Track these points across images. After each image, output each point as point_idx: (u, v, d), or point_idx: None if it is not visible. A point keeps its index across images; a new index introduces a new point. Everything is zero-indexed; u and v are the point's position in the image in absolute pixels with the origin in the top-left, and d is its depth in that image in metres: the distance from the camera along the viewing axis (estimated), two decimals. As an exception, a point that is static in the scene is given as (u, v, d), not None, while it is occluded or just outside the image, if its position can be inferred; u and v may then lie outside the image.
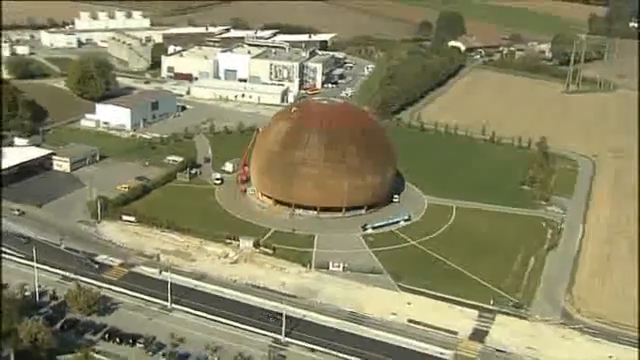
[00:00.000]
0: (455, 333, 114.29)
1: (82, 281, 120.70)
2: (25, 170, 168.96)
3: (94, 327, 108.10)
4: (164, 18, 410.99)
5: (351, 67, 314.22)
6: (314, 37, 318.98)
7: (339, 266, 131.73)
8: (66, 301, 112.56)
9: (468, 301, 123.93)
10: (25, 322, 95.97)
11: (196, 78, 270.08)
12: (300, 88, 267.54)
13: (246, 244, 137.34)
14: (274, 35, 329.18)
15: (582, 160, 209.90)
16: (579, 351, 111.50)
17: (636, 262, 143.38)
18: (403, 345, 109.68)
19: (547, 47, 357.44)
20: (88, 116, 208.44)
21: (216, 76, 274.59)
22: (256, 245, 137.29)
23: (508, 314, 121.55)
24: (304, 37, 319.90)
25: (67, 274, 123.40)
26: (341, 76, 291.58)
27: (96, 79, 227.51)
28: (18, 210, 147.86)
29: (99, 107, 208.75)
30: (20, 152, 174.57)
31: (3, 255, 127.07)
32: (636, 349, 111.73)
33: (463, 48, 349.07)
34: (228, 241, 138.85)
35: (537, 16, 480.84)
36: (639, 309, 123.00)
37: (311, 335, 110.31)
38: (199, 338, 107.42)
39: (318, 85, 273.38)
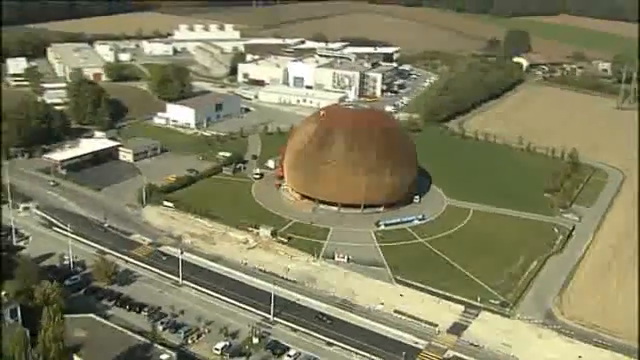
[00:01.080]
0: (435, 325, 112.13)
1: (114, 255, 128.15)
2: (97, 158, 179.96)
3: (111, 295, 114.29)
4: (257, 31, 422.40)
5: (415, 78, 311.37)
6: (379, 50, 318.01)
7: (344, 257, 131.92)
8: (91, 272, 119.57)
9: (457, 297, 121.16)
10: (41, 284, 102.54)
11: (267, 84, 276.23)
12: (360, 95, 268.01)
13: (265, 232, 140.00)
14: (344, 47, 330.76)
15: (614, 172, 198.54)
16: (551, 350, 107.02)
17: (637, 270, 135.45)
18: (382, 332, 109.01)
19: (609, 65, 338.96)
20: (160, 114, 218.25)
21: (285, 83, 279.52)
22: (273, 234, 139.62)
23: (492, 311, 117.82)
24: (370, 49, 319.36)
25: (103, 248, 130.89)
26: (402, 86, 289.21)
27: (173, 82, 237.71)
28: (53, 181, 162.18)
29: (169, 107, 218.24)
30: (93, 143, 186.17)
31: (58, 229, 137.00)
32: (607, 351, 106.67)
33: (526, 64, 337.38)
34: (250, 229, 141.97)
35: (603, 35, 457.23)
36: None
37: (298, 317, 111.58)
38: (198, 311, 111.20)
39: (377, 93, 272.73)
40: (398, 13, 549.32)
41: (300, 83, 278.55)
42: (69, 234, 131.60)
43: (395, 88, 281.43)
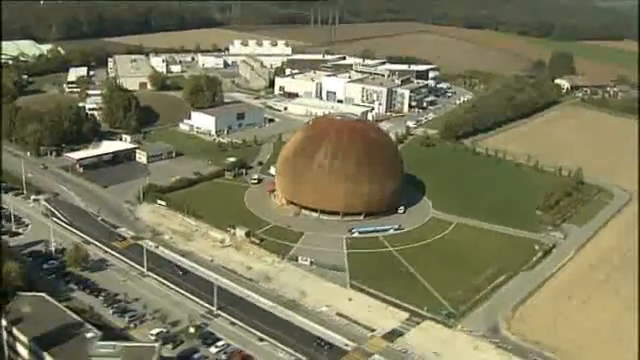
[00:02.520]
0: (373, 330, 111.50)
1: (95, 245, 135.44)
2: (115, 159, 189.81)
3: (78, 279, 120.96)
4: (312, 48, 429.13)
5: (449, 96, 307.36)
6: (413, 67, 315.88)
7: (307, 260, 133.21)
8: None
9: (406, 305, 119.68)
10: (6, 264, 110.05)
11: (301, 97, 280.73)
12: (387, 110, 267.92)
13: (240, 233, 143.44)
14: (380, 64, 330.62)
15: (621, 194, 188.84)
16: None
17: (607, 292, 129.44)
18: (316, 333, 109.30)
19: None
20: (186, 121, 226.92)
21: (318, 96, 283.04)
22: (247, 235, 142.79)
23: (436, 321, 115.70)
24: (404, 67, 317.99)
25: (88, 238, 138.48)
26: (433, 103, 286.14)
27: (205, 92, 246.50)
28: (43, 164, 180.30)
29: (194, 114, 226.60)
30: (113, 145, 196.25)
31: (56, 219, 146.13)
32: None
33: (567, 86, 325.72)
34: (229, 229, 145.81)
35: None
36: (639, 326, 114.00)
37: (240, 312, 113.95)
38: (151, 300, 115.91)
39: (405, 109, 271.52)
40: (457, 34, 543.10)
41: (332, 97, 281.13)
42: (63, 224, 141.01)
43: (424, 105, 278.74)
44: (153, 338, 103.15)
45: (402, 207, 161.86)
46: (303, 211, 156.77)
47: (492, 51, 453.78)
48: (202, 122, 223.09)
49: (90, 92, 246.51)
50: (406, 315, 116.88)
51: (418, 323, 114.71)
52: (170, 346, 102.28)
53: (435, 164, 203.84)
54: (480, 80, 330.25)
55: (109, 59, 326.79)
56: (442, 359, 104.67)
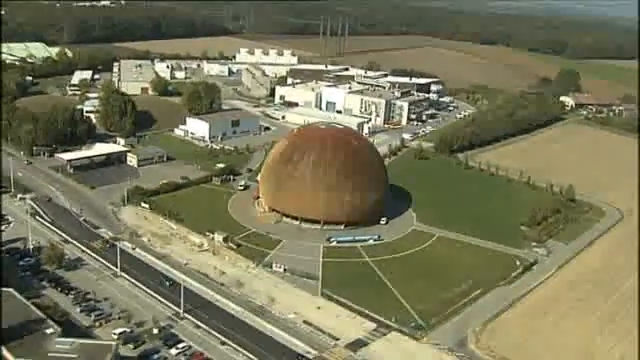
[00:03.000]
0: (337, 339, 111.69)
1: (74, 244, 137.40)
2: (109, 160, 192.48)
3: (52, 277, 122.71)
4: (319, 58, 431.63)
5: (451, 110, 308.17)
6: (414, 80, 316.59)
7: (280, 267, 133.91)
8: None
9: (375, 315, 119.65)
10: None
11: (301, 106, 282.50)
12: (385, 122, 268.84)
13: (218, 238, 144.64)
14: (382, 76, 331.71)
15: (612, 212, 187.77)
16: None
17: (583, 311, 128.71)
18: (279, 339, 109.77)
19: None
20: (181, 127, 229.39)
21: (318, 106, 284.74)
22: (225, 240, 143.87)
23: (403, 333, 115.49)
24: (405, 79, 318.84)
25: (67, 237, 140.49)
26: (432, 116, 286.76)
27: (202, 98, 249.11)
28: (27, 161, 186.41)
29: (189, 120, 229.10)
30: (105, 147, 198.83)
31: (39, 218, 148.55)
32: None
33: (572, 103, 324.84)
34: (207, 234, 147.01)
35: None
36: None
37: (207, 316, 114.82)
38: (120, 300, 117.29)
39: (403, 121, 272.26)
40: (468, 50, 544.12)
41: (332, 107, 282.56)
42: (45, 222, 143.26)
43: (424, 118, 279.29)
44: (115, 337, 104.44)
45: (385, 218, 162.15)
46: (285, 219, 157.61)
47: (501, 67, 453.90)
48: (196, 128, 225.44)
49: (90, 95, 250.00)
50: (374, 325, 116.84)
51: (384, 334, 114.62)
52: (131, 346, 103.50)
53: (426, 177, 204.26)
54: (483, 95, 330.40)
55: (115, 63, 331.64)
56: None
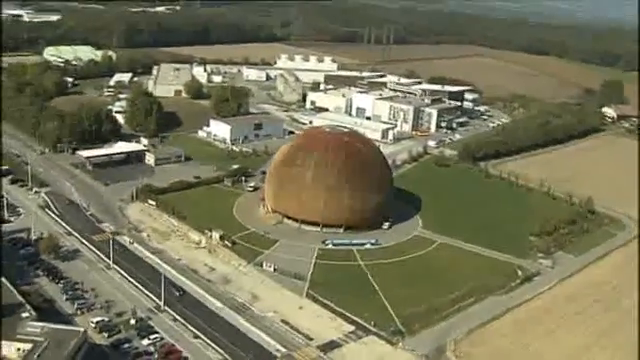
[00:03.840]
0: (311, 339, 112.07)
1: (75, 236, 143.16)
2: (128, 159, 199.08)
3: (47, 266, 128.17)
4: (361, 65, 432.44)
5: (485, 119, 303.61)
6: (447, 88, 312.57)
7: (270, 266, 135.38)
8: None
9: (355, 318, 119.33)
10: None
11: (331, 112, 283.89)
12: (412, 129, 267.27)
13: (215, 236, 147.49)
14: (415, 83, 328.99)
15: (632, 227, 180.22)
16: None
17: (578, 325, 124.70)
18: (253, 336, 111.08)
19: None
20: (205, 128, 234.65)
21: (348, 112, 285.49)
22: (221, 238, 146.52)
23: (380, 337, 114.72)
24: (438, 87, 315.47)
25: (70, 230, 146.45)
26: (463, 124, 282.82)
27: (230, 101, 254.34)
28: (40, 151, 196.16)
29: (212, 122, 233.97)
30: (126, 146, 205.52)
31: (48, 210, 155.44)
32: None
33: (614, 114, 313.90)
34: (206, 232, 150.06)
35: None
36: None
37: (187, 310, 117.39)
38: (106, 290, 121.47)
39: (432, 128, 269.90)
40: (516, 59, 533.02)
41: (362, 114, 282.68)
42: (53, 215, 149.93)
43: (453, 125, 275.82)
44: (92, 325, 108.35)
45: (387, 223, 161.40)
46: (286, 220, 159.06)
47: (546, 77, 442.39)
48: (218, 130, 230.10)
49: (121, 96, 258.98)
50: (352, 328, 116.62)
51: (360, 337, 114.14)
52: (106, 334, 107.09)
53: (441, 184, 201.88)
54: (520, 104, 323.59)
55: (155, 67, 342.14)
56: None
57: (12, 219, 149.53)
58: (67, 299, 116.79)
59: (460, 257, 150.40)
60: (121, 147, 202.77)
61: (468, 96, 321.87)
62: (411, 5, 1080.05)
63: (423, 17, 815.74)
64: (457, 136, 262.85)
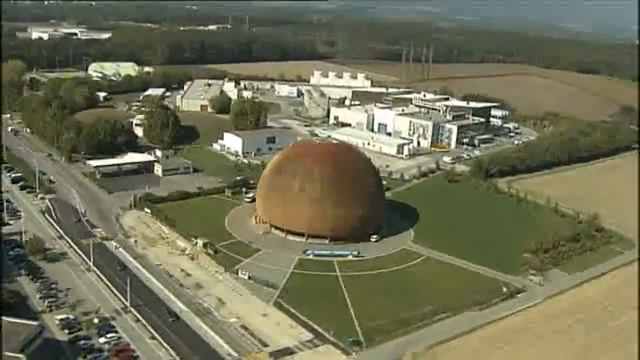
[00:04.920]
0: (266, 345, 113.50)
1: (66, 240, 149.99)
2: (139, 169, 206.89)
3: (31, 266, 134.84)
4: (399, 83, 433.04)
5: (512, 136, 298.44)
6: (471, 104, 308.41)
7: (245, 274, 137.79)
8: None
9: (316, 327, 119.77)
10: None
11: (353, 127, 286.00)
12: (432, 144, 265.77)
13: (199, 243, 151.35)
14: (445, 100, 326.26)
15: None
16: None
17: (554, 345, 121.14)
18: (207, 340, 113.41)
19: None
20: (220, 141, 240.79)
21: (370, 127, 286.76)
22: (205, 246, 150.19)
23: (337, 347, 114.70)
24: (462, 104, 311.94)
25: (63, 234, 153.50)
26: (487, 141, 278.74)
27: (248, 115, 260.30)
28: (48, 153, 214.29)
29: (226, 135, 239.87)
30: (136, 157, 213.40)
31: (47, 216, 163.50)
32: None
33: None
34: (192, 239, 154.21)
35: None
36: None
37: (151, 311, 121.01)
38: (80, 291, 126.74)
39: (452, 144, 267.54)
40: (564, 78, 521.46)
41: (384, 129, 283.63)
42: (50, 220, 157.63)
43: (475, 142, 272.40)
44: (57, 322, 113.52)
45: (376, 236, 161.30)
46: (274, 230, 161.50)
47: (588, 96, 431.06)
48: (232, 143, 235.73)
49: (144, 109, 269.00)
50: (310, 337, 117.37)
51: (317, 346, 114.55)
52: (67, 331, 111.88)
53: (447, 199, 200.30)
54: (551, 122, 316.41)
55: (188, 82, 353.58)
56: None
57: (11, 222, 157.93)
58: (40, 297, 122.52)
59: (444, 272, 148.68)
60: (131, 158, 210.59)
61: (497, 113, 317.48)
62: (468, 24, 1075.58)
63: (478, 36, 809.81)
64: (476, 152, 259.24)
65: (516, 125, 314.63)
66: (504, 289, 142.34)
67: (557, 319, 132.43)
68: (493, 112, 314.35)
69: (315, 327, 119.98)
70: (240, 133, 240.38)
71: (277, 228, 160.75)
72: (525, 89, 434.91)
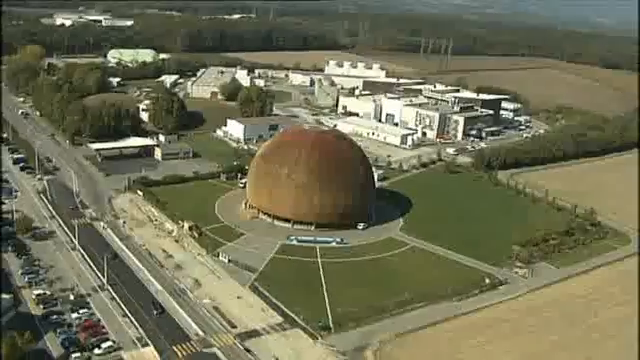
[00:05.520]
0: (234, 327, 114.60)
1: (57, 220, 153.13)
2: (140, 153, 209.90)
3: (18, 243, 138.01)
4: (414, 74, 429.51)
5: (522, 129, 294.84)
6: (481, 96, 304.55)
7: (226, 257, 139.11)
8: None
9: (287, 311, 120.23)
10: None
11: (361, 117, 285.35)
12: (437, 135, 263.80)
13: (185, 226, 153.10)
14: (455, 91, 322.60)
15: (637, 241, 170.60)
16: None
17: (528, 338, 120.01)
18: (178, 319, 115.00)
19: None
20: (223, 128, 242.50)
21: (377, 117, 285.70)
22: (190, 229, 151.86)
23: (305, 331, 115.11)
24: (472, 95, 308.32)
25: (54, 214, 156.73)
26: (494, 133, 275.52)
27: (254, 102, 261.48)
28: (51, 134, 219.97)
29: (229, 122, 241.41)
30: (137, 141, 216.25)
31: (42, 195, 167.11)
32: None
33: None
34: (179, 222, 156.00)
35: None
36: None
37: (127, 290, 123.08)
38: (62, 268, 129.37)
39: (458, 136, 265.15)
40: (588, 72, 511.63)
41: (391, 119, 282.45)
42: (45, 200, 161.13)
43: (482, 134, 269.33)
44: (34, 297, 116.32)
45: (363, 224, 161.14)
46: (262, 216, 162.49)
47: (610, 91, 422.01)
48: (234, 130, 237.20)
49: (152, 95, 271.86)
50: (280, 320, 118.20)
51: (285, 329, 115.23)
52: (42, 306, 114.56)
53: (443, 190, 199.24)
54: (564, 116, 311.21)
55: (201, 69, 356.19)
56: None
57: (6, 201, 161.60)
58: (22, 273, 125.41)
59: (428, 261, 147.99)
60: (133, 142, 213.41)
61: (508, 106, 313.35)
62: (497, 18, 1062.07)
63: (504, 30, 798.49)
64: (482, 144, 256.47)
65: (528, 118, 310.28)
66: (487, 280, 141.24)
67: (536, 313, 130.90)
68: (505, 105, 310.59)
69: (286, 311, 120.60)
70: (242, 120, 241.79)
71: (265, 213, 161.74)
72: (545, 83, 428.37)
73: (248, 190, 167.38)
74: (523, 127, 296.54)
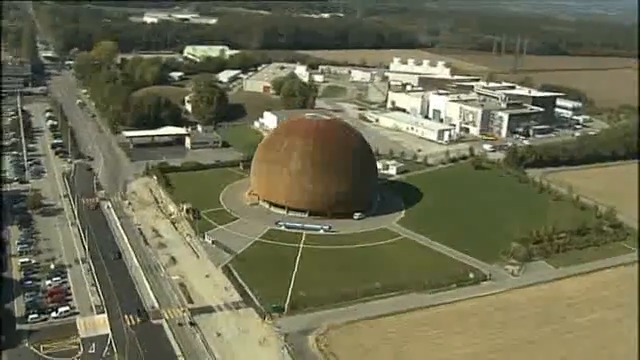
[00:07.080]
0: (192, 303, 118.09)
1: (69, 198, 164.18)
2: (174, 140, 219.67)
3: (24, 217, 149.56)
4: (485, 73, 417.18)
5: (577, 128, 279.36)
6: (533, 93, 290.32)
7: (210, 239, 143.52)
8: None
9: (248, 292, 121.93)
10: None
11: (408, 112, 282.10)
12: (480, 132, 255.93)
13: (184, 209, 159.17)
14: (510, 88, 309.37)
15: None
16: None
17: (492, 335, 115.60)
18: (142, 292, 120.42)
19: None
20: (260, 120, 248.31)
21: (424, 113, 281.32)
22: (187, 211, 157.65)
23: (258, 310, 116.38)
24: (524, 92, 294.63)
25: (69, 193, 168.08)
26: (544, 131, 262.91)
27: (296, 96, 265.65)
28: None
29: (265, 114, 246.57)
30: (170, 130, 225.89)
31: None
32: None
33: None
34: (180, 205, 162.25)
35: None
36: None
37: (106, 264, 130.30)
38: (56, 241, 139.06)
39: (503, 133, 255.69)
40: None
41: (438, 115, 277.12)
42: (66, 181, 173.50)
43: (529, 132, 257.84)
44: (19, 265, 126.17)
45: (359, 213, 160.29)
46: (261, 202, 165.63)
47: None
48: (269, 121, 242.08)
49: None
50: (238, 299, 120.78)
51: (239, 308, 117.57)
52: (22, 272, 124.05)
53: (460, 185, 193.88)
54: (626, 115, 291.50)
55: (263, 65, 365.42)
56: (220, 340, 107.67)
57: (31, 181, 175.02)
58: (18, 243, 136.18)
59: (415, 253, 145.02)
60: (165, 131, 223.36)
61: (567, 104, 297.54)
62: (587, 18, 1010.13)
63: (592, 29, 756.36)
64: (526, 142, 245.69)
65: (587, 117, 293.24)
66: (470, 275, 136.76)
67: (513, 310, 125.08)
68: (563, 103, 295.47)
69: (247, 291, 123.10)
70: (278, 112, 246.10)
71: (265, 200, 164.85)
72: (619, 83, 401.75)
73: (252, 178, 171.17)
74: (579, 126, 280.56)
